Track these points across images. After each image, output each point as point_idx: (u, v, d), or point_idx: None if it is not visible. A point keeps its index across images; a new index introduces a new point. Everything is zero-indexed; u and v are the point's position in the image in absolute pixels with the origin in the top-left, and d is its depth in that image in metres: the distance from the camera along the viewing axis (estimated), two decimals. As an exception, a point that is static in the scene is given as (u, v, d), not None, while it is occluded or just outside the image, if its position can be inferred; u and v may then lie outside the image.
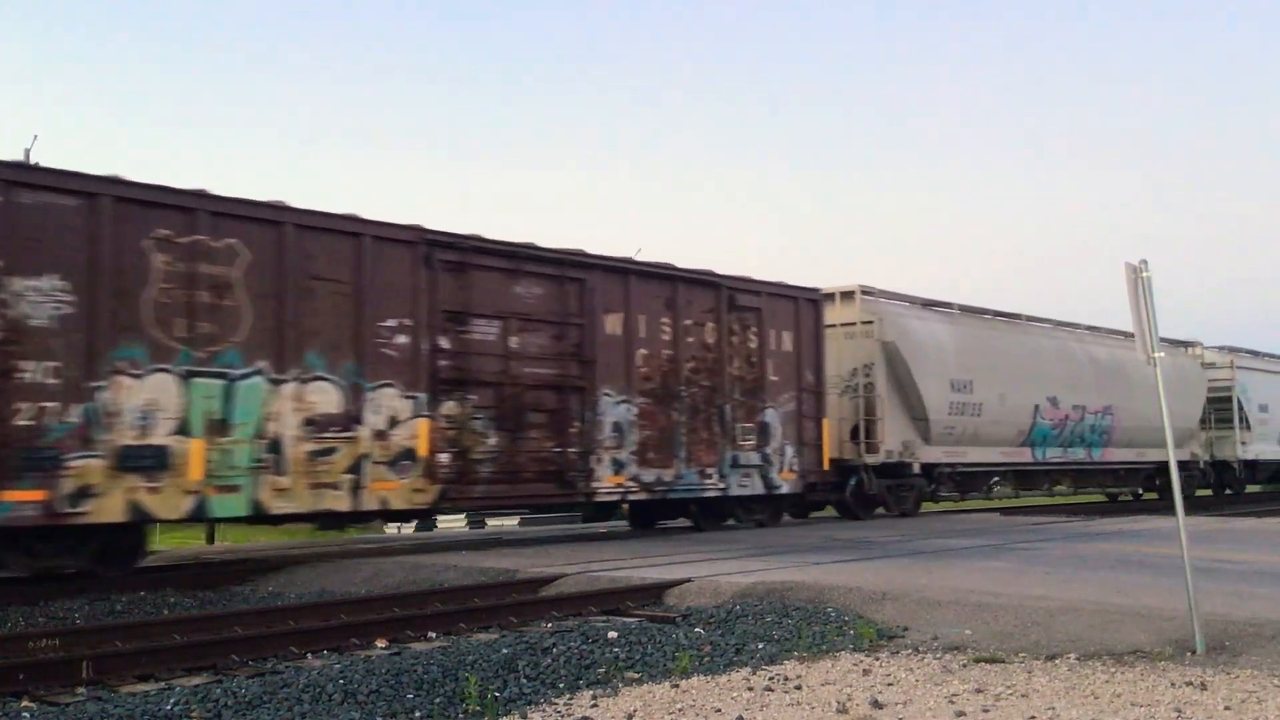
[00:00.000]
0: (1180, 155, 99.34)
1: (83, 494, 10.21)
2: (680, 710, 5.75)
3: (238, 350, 11.36)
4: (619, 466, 14.71)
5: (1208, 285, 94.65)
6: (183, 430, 10.88)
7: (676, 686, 6.28)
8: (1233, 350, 29.56)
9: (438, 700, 5.98)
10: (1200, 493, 28.10)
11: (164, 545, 16.65)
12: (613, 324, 14.91)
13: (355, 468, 12.09)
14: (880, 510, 19.65)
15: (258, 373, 11.47)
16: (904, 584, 9.30)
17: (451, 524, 21.36)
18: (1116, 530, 16.14)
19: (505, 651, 6.96)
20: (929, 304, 21.53)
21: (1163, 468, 25.75)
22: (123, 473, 10.45)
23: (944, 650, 7.20)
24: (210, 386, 11.09)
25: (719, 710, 5.74)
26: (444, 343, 13.07)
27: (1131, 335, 29.78)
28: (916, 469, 19.66)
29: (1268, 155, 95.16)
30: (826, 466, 17.74)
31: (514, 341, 13.76)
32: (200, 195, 11.23)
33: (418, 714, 5.79)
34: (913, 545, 13.51)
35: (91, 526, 10.47)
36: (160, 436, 10.74)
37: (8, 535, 10.09)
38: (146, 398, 10.68)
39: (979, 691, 6.00)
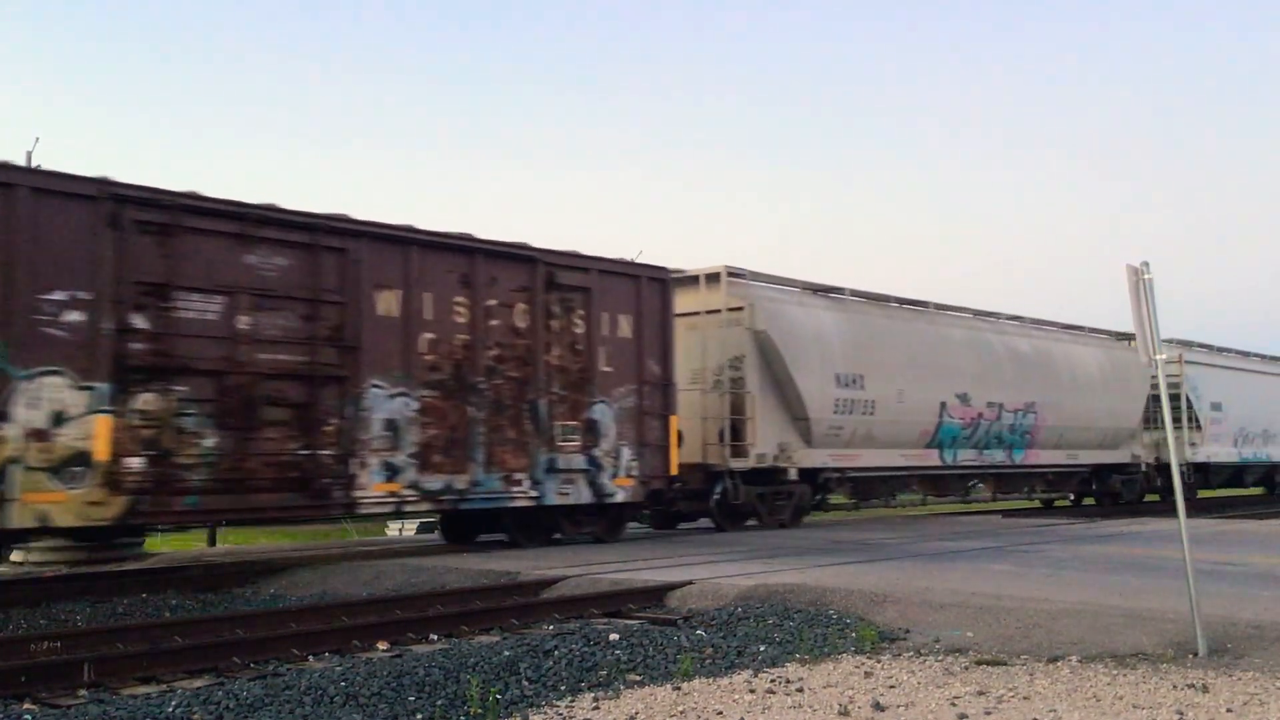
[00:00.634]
0: (1180, 155, 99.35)
1: None
2: (682, 713, 5.75)
3: None
4: (393, 472, 12.37)
5: (1208, 285, 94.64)
6: None
7: (678, 689, 6.28)
8: (1183, 344, 27.02)
9: (439, 702, 5.98)
10: (1149, 498, 26.04)
11: (166, 548, 16.65)
12: (387, 303, 12.56)
13: None
14: (753, 522, 17.50)
15: None
16: (905, 586, 9.30)
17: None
18: (1118, 532, 16.13)
19: (507, 654, 6.96)
20: (815, 289, 19.23)
21: (1099, 471, 24.66)
22: None
23: (946, 652, 7.20)
24: None
25: (721, 713, 5.73)
26: (138, 321, 10.78)
27: (1054, 327, 28.50)
28: (794, 474, 17.50)
29: (1267, 155, 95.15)
30: (674, 471, 15.43)
31: (244, 321, 11.43)
32: None
33: (419, 716, 5.79)
34: (914, 547, 13.53)
35: None
36: None
37: None
38: None
39: (981, 694, 6.00)
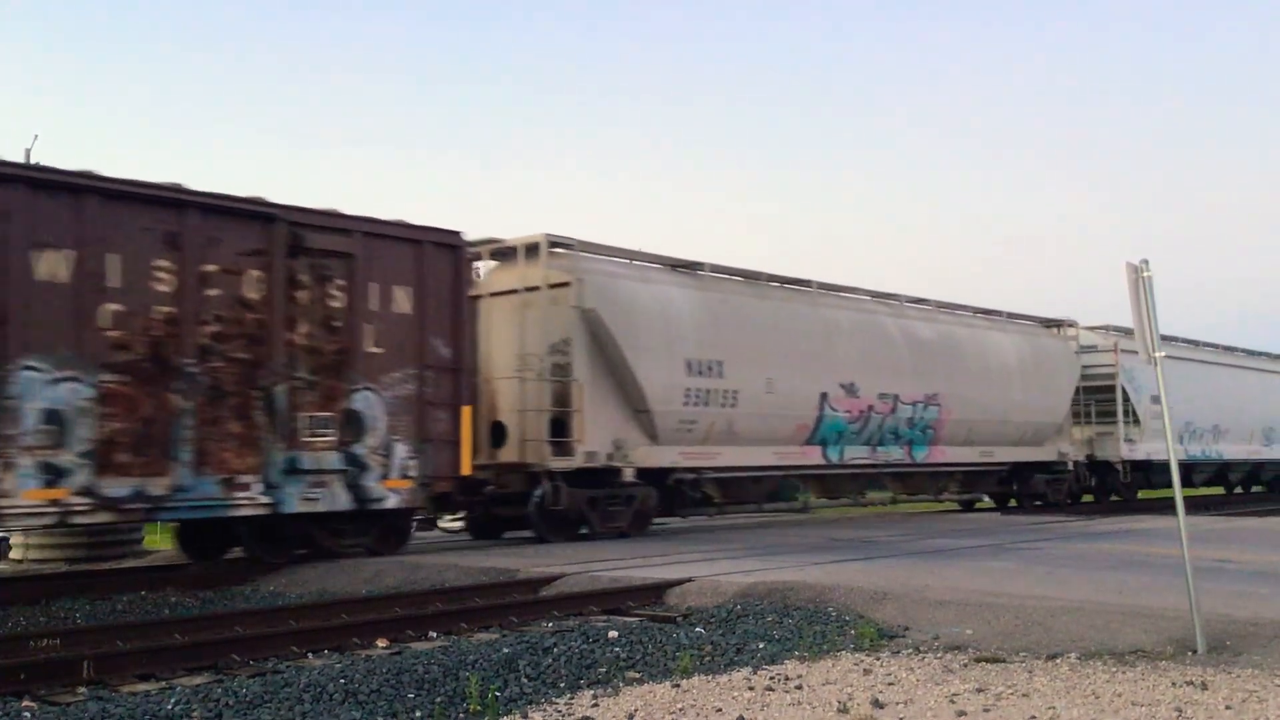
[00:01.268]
0: (1179, 155, 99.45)
1: None
2: (681, 710, 5.75)
3: None
4: (55, 475, 10.05)
5: (1208, 285, 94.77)
6: None
7: (677, 686, 6.28)
8: (1120, 331, 24.12)
9: (438, 700, 5.99)
10: (1085, 498, 24.36)
11: (165, 545, 16.65)
12: (52, 265, 10.23)
13: None
14: (584, 530, 14.85)
15: None
16: (904, 584, 9.32)
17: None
18: (1117, 530, 16.15)
19: (506, 651, 6.97)
20: (665, 264, 16.54)
21: (1017, 469, 22.18)
22: None
23: (945, 650, 7.21)
24: None
25: (720, 710, 5.74)
26: None
27: (967, 311, 22.82)
28: (630, 475, 15.00)
29: (1267, 155, 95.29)
30: (467, 470, 13.17)
31: None
32: None
33: (418, 714, 5.79)
34: (913, 545, 13.55)
35: None
36: None
37: None
38: None
39: (980, 691, 6.00)
